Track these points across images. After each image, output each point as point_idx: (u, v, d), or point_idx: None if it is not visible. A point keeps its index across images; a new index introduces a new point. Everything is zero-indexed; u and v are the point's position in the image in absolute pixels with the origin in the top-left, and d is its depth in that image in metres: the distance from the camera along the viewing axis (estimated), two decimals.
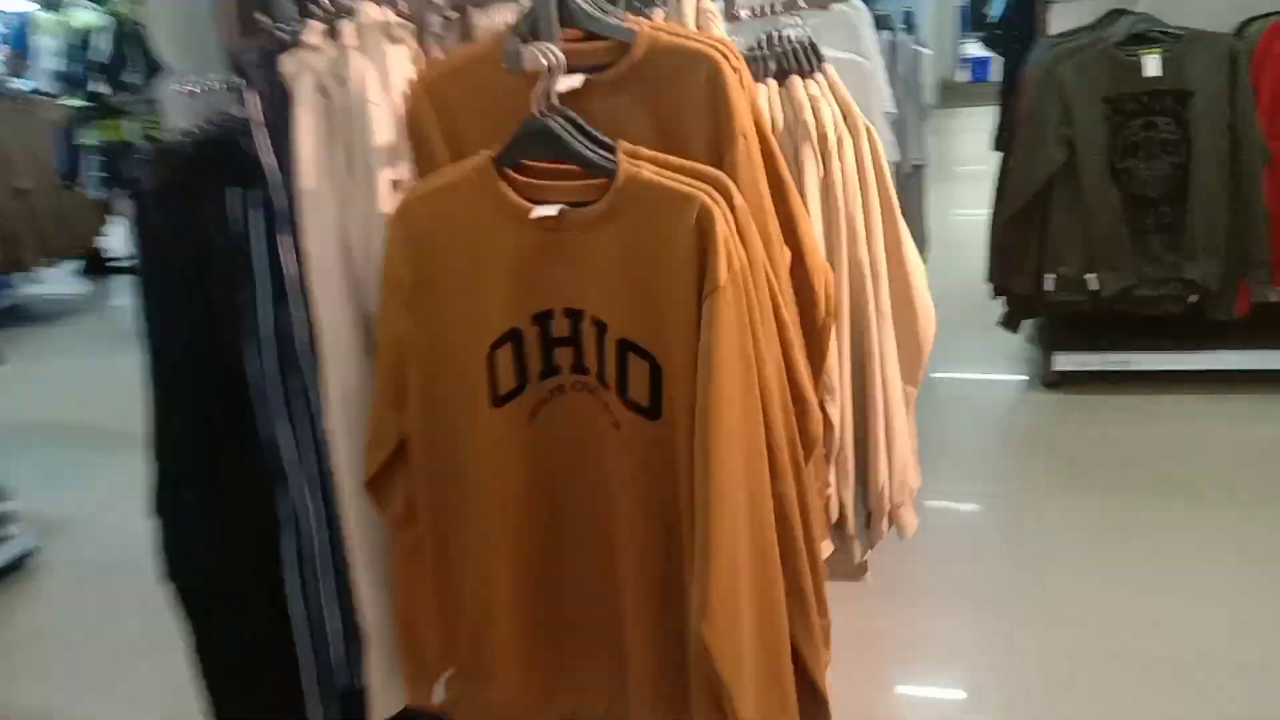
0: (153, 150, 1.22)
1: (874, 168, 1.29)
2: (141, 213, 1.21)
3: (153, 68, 3.52)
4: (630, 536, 1.05)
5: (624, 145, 1.01)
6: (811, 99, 1.26)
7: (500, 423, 1.07)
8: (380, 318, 1.08)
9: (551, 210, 0.98)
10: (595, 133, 1.02)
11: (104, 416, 3.27)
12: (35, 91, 4.26)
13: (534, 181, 1.02)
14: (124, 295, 4.65)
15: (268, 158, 1.18)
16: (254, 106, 1.17)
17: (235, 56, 1.17)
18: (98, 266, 5.11)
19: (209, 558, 1.28)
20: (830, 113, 1.25)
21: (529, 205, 1.01)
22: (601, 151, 1.00)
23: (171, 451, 1.26)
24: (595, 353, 1.03)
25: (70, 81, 3.67)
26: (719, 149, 1.06)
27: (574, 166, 1.02)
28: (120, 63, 3.56)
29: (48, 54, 3.68)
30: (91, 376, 3.69)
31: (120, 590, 2.15)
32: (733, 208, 0.98)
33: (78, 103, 3.67)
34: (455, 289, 1.05)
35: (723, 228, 0.94)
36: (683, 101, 1.06)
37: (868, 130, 1.29)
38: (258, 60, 1.18)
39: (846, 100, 1.29)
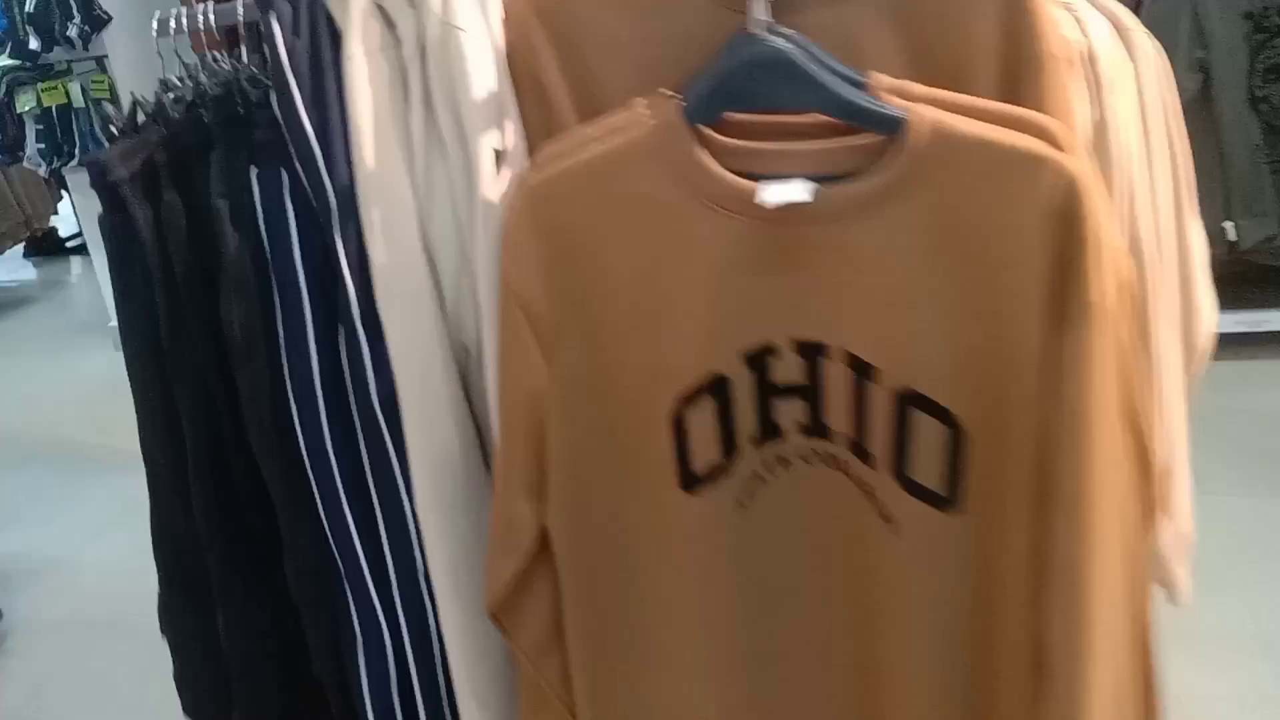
0: (122, 118, 0.84)
1: (1163, 102, 0.94)
2: (113, 210, 0.85)
3: (94, 16, 3.08)
4: (907, 686, 0.72)
5: (879, 79, 0.66)
6: (1070, 11, 0.90)
7: (694, 513, 0.72)
8: (505, 365, 0.73)
9: (800, 192, 0.63)
10: (834, 62, 0.67)
11: (70, 430, 2.88)
12: None
13: (750, 145, 0.66)
14: (81, 279, 4.24)
15: (304, 122, 0.81)
16: (282, 46, 0.79)
17: None
18: (50, 246, 4.68)
19: (245, 694, 0.93)
20: (1102, 29, 0.90)
21: (748, 182, 0.65)
22: (859, 91, 0.65)
23: (181, 549, 0.91)
24: (850, 408, 0.68)
25: (1, 40, 3.22)
26: (1015, 81, 0.71)
27: (804, 119, 0.67)
28: (54, 12, 3.11)
29: None
30: (51, 380, 3.29)
31: (111, 657, 1.77)
32: None
33: (8, 63, 3.23)
34: (621, 316, 0.70)
35: (1098, 211, 0.59)
36: (955, 9, 0.71)
37: (1152, 48, 0.94)
38: None
39: (1114, 10, 0.94)
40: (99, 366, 3.25)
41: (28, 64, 3.19)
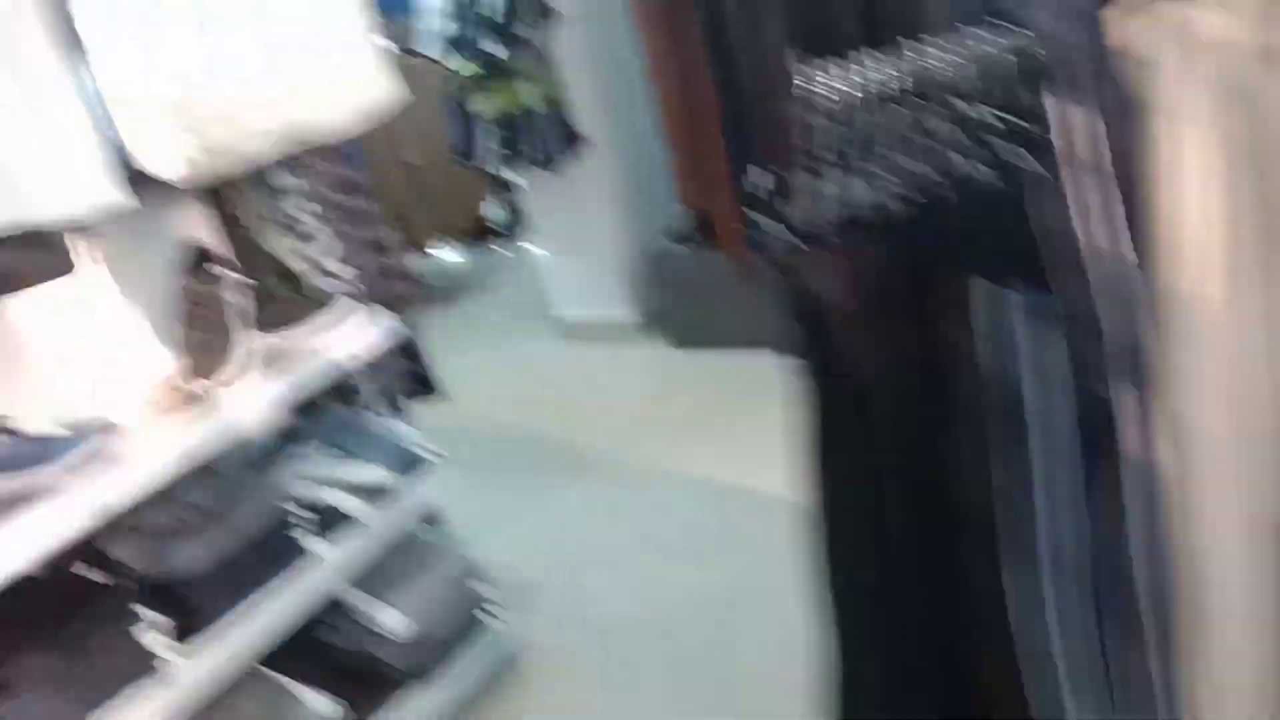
0: (842, 224, 0.70)
1: None
2: (819, 342, 0.72)
3: (543, 6, 3.18)
4: None
5: None
6: None
7: None
8: None
9: None
10: None
11: (534, 427, 2.91)
12: (413, 53, 4.14)
13: None
14: (515, 266, 4.54)
15: (1081, 231, 0.62)
16: (1074, 130, 0.61)
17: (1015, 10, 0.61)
18: (481, 232, 5.09)
19: None
20: None
21: None
22: None
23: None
24: None
25: (460, 44, 3.46)
26: None
27: None
28: (506, 13, 3.26)
29: (432, 14, 3.50)
30: (506, 374, 3.49)
31: (650, 693, 1.51)
32: None
33: (465, 66, 3.46)
34: None
35: None
36: None
37: None
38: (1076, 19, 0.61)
39: None
40: (545, 358, 3.40)
41: (482, 67, 3.40)
